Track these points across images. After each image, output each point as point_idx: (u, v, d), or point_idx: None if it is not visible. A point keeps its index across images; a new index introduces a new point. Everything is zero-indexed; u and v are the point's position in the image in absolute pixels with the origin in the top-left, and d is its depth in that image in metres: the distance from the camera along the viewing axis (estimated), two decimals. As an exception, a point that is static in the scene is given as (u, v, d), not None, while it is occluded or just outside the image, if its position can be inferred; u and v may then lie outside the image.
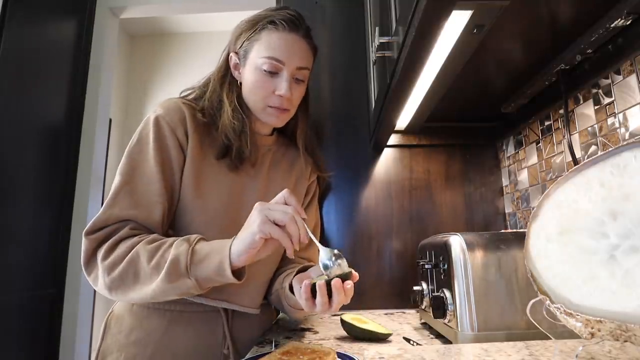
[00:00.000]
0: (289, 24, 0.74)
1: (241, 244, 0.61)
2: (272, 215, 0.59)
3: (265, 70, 0.74)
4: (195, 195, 0.73)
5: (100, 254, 0.64)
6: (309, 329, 0.84)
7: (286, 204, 0.60)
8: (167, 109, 0.74)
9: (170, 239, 0.65)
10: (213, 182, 0.75)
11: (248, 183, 0.80)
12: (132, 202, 0.68)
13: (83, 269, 0.66)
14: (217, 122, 0.76)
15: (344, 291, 0.59)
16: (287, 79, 0.75)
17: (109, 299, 0.66)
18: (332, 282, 0.58)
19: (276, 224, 0.59)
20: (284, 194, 0.62)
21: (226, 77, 0.80)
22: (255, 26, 0.76)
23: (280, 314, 1.00)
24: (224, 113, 0.76)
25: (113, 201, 0.68)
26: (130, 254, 0.63)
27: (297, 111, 0.85)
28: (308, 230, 0.60)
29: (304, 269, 0.79)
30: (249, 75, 0.77)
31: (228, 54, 0.81)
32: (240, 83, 0.80)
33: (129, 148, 0.72)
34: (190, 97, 0.82)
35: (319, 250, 0.63)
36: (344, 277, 0.59)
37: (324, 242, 1.13)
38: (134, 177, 0.69)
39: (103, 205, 0.68)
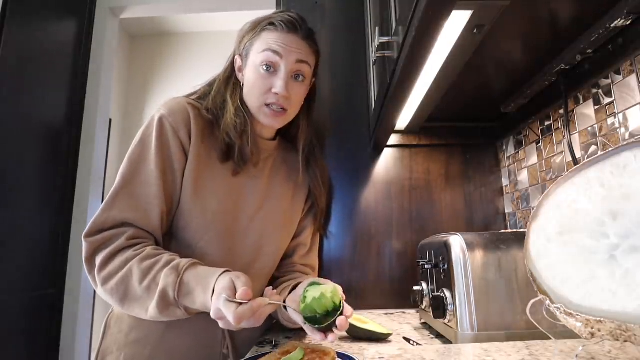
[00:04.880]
0: (287, 25, 0.74)
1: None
2: (240, 327, 0.56)
3: (263, 68, 0.74)
4: (195, 197, 0.73)
5: (98, 262, 0.65)
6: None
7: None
8: (171, 109, 0.74)
9: (163, 259, 0.65)
10: (213, 185, 0.75)
11: (248, 187, 0.80)
12: (131, 204, 0.68)
13: (85, 269, 0.67)
14: (219, 122, 0.76)
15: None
16: (283, 77, 0.74)
17: (109, 299, 0.67)
18: (338, 322, 0.59)
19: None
20: (235, 316, 0.54)
21: (231, 79, 0.81)
22: (256, 27, 0.77)
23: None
24: (227, 112, 0.76)
25: (112, 202, 0.68)
26: (123, 270, 0.64)
27: (299, 116, 0.84)
28: (272, 302, 0.59)
29: (295, 286, 0.76)
30: (248, 75, 0.77)
31: (234, 57, 0.82)
32: (243, 85, 0.80)
33: (131, 149, 0.72)
34: (195, 96, 0.81)
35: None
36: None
37: (324, 243, 1.13)
38: (134, 179, 0.70)
39: (101, 206, 0.68)
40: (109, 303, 0.67)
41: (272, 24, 0.75)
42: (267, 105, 0.76)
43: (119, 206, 0.68)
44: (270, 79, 0.75)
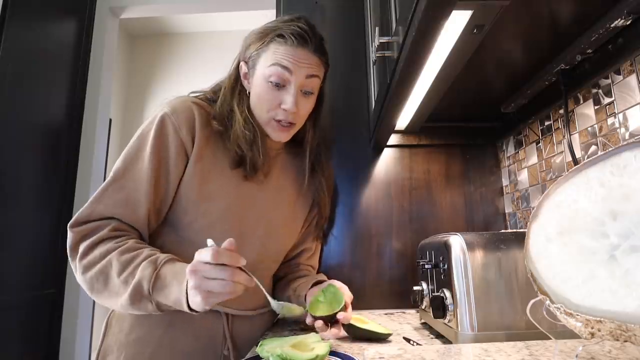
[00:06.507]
0: (297, 38, 0.72)
1: (194, 304, 0.59)
2: (211, 288, 0.57)
3: (271, 82, 0.72)
4: (199, 196, 0.73)
5: (80, 251, 0.66)
6: (310, 329, 0.84)
7: (218, 262, 0.56)
8: (174, 107, 0.73)
9: (144, 253, 0.65)
10: (221, 186, 0.75)
11: (256, 188, 0.79)
12: (118, 200, 0.68)
13: (69, 258, 0.67)
14: (229, 132, 0.75)
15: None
16: (293, 93, 0.72)
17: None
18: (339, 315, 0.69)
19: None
20: (213, 251, 0.57)
21: (236, 86, 0.79)
22: (264, 38, 0.74)
23: (280, 314, 1.00)
24: (236, 123, 0.75)
25: (99, 197, 0.68)
26: (103, 261, 0.64)
27: (306, 122, 0.83)
28: (253, 277, 0.60)
29: (316, 283, 0.83)
30: (256, 86, 0.75)
31: (239, 63, 0.80)
32: (249, 92, 0.79)
33: (129, 144, 0.72)
34: (201, 97, 0.80)
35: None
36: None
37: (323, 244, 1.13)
38: (125, 175, 0.70)
39: (90, 199, 0.68)
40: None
41: (281, 35, 0.72)
42: (275, 120, 0.75)
43: (105, 201, 0.68)
44: (279, 94, 0.73)
